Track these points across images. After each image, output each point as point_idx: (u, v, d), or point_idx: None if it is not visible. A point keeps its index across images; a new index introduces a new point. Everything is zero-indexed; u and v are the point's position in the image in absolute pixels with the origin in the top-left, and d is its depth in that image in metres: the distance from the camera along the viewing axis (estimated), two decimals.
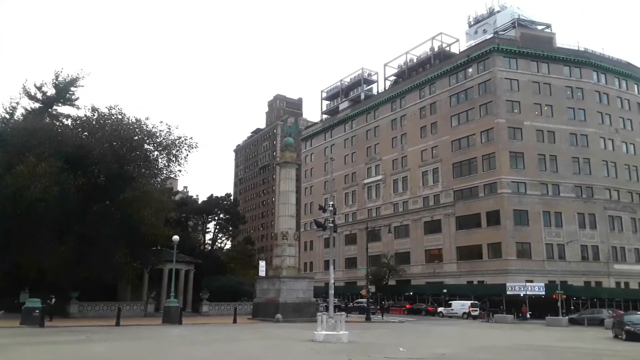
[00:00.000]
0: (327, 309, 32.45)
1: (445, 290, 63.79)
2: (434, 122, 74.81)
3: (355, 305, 60.56)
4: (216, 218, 62.65)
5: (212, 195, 64.95)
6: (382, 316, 49.45)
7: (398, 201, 78.89)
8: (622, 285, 64.08)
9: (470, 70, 71.00)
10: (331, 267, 27.61)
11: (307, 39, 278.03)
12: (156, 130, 39.77)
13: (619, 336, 30.38)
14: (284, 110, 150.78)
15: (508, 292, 56.48)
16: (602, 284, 62.55)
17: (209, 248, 62.55)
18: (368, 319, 44.14)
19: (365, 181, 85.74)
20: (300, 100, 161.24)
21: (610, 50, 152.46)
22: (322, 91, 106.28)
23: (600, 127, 69.20)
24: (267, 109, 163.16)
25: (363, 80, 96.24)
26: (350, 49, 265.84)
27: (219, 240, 65.34)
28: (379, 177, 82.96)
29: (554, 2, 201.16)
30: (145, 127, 39.32)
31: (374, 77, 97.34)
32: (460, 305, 56.43)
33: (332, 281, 26.79)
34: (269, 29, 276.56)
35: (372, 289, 64.13)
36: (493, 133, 65.86)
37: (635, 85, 75.69)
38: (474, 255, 65.19)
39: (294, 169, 44.51)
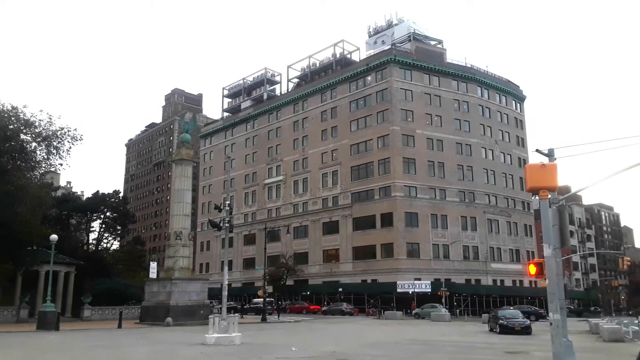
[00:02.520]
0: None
1: (340, 289, 65.49)
2: (335, 126, 76.63)
3: (252, 306, 59.93)
4: (102, 216, 58.42)
5: (98, 191, 60.47)
6: (279, 316, 49.50)
7: (298, 202, 79.62)
8: (498, 283, 70.31)
9: (369, 78, 73.75)
10: (225, 268, 27.02)
11: (209, 34, 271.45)
12: (35, 119, 36.09)
13: (494, 330, 33.05)
14: (182, 105, 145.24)
15: (398, 290, 59.44)
16: (481, 281, 68.16)
17: (94, 248, 58.29)
18: (264, 320, 43.82)
19: (266, 181, 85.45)
20: (200, 96, 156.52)
21: (493, 68, 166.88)
22: (223, 88, 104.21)
23: (483, 138, 75.38)
24: (164, 103, 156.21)
25: (266, 80, 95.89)
26: (253, 48, 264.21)
27: (105, 240, 61.05)
28: (280, 178, 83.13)
29: (445, 19, 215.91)
30: (22, 116, 35.56)
31: (277, 78, 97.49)
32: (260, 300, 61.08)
33: (226, 282, 26.14)
34: (170, 21, 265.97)
35: (270, 289, 63.92)
36: (388, 139, 68.95)
37: (514, 101, 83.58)
38: (368, 255, 67.70)
39: (190, 166, 43.04)
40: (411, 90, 71.10)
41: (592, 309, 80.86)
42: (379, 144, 70.05)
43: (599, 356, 19.25)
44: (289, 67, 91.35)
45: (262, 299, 51.92)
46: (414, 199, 67.17)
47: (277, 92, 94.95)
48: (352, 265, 69.52)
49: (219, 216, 33.09)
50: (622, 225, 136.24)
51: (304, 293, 70.96)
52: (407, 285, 59.77)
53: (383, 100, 70.83)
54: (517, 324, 31.73)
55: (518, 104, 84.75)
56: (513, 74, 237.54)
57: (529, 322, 33.15)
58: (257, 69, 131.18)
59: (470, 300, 62.81)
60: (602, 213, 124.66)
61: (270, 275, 64.14)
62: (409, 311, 56.28)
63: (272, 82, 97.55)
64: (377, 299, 61.32)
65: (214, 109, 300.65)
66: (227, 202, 28.35)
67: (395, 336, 29.34)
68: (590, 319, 43.36)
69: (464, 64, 77.59)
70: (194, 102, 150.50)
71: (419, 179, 68.10)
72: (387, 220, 66.74)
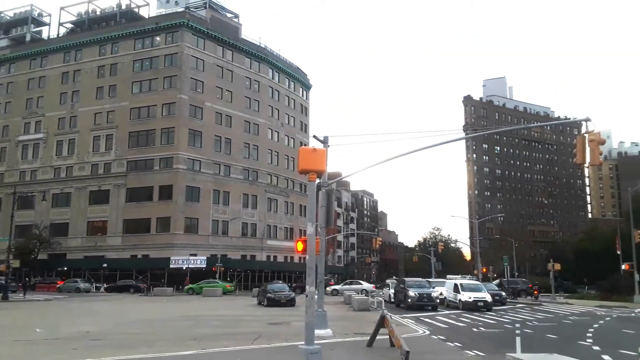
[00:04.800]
0: None
1: (105, 265, 59.82)
2: (114, 84, 69.05)
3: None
4: None
5: None
6: (25, 294, 42.35)
7: (61, 165, 69.60)
8: (272, 259, 73.46)
9: (158, 38, 68.44)
10: None
11: None
12: None
13: (262, 303, 33.89)
14: None
15: (171, 266, 57.00)
16: (256, 257, 70.13)
17: None
18: (5, 299, 37.36)
19: (21, 138, 72.50)
20: None
21: (285, 54, 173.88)
22: None
23: (270, 119, 77.30)
24: None
25: (31, 19, 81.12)
26: None
27: None
28: (40, 136, 71.44)
29: None
30: None
31: (47, 19, 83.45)
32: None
33: None
34: None
35: (16, 264, 54.19)
36: (175, 108, 65.17)
37: (301, 88, 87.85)
38: (141, 229, 63.11)
39: None
40: (203, 60, 68.36)
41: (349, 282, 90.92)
42: (164, 111, 65.64)
43: (347, 324, 20.97)
44: (62, 8, 78.74)
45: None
46: (197, 173, 65.03)
47: (45, 36, 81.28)
48: (121, 239, 63.88)
49: None
50: (379, 210, 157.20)
51: (60, 269, 62.74)
52: (181, 260, 57.65)
53: (172, 65, 66.47)
54: (283, 297, 33.18)
55: (304, 92, 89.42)
56: (301, 63, 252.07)
57: (293, 294, 34.93)
58: (21, 4, 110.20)
59: (244, 276, 64.08)
60: (365, 198, 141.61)
61: (17, 248, 54.53)
62: (181, 287, 54.39)
63: (40, 23, 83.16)
64: (146, 275, 57.76)
65: None
66: None
67: (162, 313, 28.24)
68: (345, 291, 48.01)
69: (258, 44, 78.12)
70: None
71: (204, 153, 66.13)
72: (166, 193, 63.16)
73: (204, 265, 57.39)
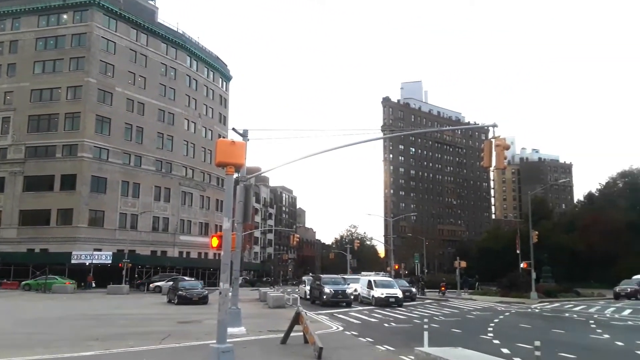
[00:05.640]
0: None
1: None
2: (13, 63, 63.16)
3: None
4: None
5: None
6: None
7: None
8: (185, 255, 70.89)
9: (65, 16, 63.54)
10: None
11: None
12: None
13: (172, 301, 32.47)
14: None
15: (73, 261, 53.13)
16: (167, 253, 67.31)
17: None
18: None
19: None
20: None
21: (205, 42, 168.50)
22: None
23: (187, 109, 74.58)
24: None
25: None
26: None
27: None
28: None
29: None
30: None
31: None
32: None
33: None
34: None
35: None
36: (81, 91, 60.84)
37: (220, 79, 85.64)
38: (40, 221, 58.36)
39: None
40: (114, 43, 64.35)
41: (265, 279, 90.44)
42: (69, 94, 61.04)
43: (262, 321, 20.69)
44: None
45: None
46: (105, 163, 61.17)
47: None
48: (16, 231, 58.56)
49: None
50: (298, 207, 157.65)
51: None
52: (84, 255, 53.83)
53: (80, 45, 61.88)
54: (195, 295, 32.09)
55: (224, 83, 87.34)
56: (222, 53, 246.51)
57: (206, 292, 33.90)
58: None
59: (154, 272, 61.25)
60: (284, 195, 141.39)
61: None
62: (82, 284, 50.91)
63: None
64: (44, 271, 53.40)
65: None
66: None
67: (62, 311, 26.42)
68: (261, 288, 47.50)
69: (175, 29, 75.06)
70: None
71: (112, 141, 62.31)
72: (69, 182, 58.77)
73: (110, 261, 54.12)
